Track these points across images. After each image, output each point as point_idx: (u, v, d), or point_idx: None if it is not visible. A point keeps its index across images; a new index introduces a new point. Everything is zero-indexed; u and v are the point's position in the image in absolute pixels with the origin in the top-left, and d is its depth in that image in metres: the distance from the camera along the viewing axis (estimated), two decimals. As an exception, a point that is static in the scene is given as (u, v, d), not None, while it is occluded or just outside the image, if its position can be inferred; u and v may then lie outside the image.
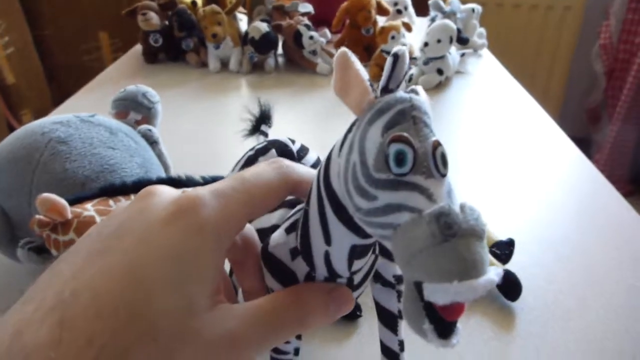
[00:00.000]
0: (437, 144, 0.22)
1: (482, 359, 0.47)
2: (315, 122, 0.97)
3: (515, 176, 0.77)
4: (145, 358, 0.19)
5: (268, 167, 0.27)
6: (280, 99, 1.07)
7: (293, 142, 0.40)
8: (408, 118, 0.22)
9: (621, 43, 2.25)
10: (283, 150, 0.39)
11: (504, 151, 0.85)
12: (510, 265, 0.55)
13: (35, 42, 2.21)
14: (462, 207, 0.20)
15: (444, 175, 0.22)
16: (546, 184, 0.75)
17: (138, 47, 1.34)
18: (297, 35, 1.18)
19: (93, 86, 1.14)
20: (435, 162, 0.22)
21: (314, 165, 0.39)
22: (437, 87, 1.13)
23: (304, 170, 0.29)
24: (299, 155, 0.39)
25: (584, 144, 0.83)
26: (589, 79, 2.44)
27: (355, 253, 0.26)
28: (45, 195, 0.41)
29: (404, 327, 0.38)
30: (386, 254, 0.33)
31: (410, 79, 1.13)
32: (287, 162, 0.28)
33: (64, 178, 0.49)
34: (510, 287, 0.53)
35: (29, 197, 0.49)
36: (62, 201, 0.42)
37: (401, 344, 0.38)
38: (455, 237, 0.19)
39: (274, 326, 0.24)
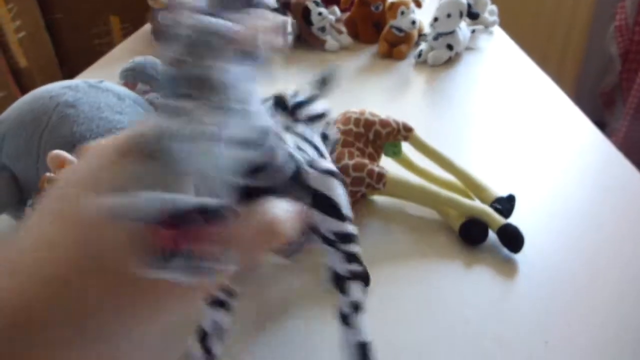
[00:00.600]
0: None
1: (483, 307, 0.47)
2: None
3: (529, 152, 0.76)
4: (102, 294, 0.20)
5: None
6: (289, 76, 1.07)
7: (297, 93, 0.41)
8: None
9: (637, 25, 2.21)
10: (278, 101, 0.39)
11: (517, 127, 0.84)
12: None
13: (46, 26, 2.22)
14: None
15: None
16: (560, 158, 0.75)
17: (148, 27, 1.35)
18: (306, 12, 1.17)
19: (102, 64, 1.15)
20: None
21: (315, 116, 0.40)
22: (447, 63, 1.12)
23: None
24: (298, 106, 0.40)
25: (598, 127, 0.82)
26: (603, 61, 2.40)
27: None
28: (56, 151, 0.42)
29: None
30: (321, 207, 0.33)
31: (419, 55, 1.12)
32: None
33: (71, 141, 0.50)
34: (511, 238, 0.53)
35: (37, 160, 0.49)
36: (73, 158, 0.42)
37: (354, 305, 0.37)
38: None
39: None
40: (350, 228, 0.35)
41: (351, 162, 0.57)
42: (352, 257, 0.35)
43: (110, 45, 2.37)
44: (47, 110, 0.50)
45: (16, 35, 2.02)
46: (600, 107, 2.47)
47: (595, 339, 0.45)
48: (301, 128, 0.38)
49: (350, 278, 0.36)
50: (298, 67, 1.12)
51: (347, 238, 0.35)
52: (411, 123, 0.63)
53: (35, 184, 0.45)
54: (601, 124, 2.31)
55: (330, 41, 1.20)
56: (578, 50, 2.49)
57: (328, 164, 0.34)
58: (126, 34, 2.39)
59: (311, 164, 0.32)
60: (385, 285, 0.50)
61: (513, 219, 0.55)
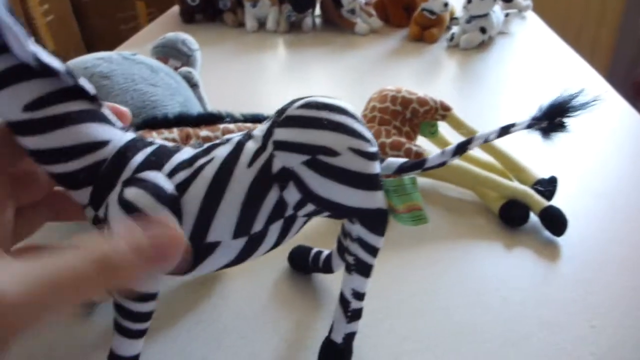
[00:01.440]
0: None
1: (525, 289, 0.45)
2: (353, 82, 0.95)
3: (566, 135, 0.74)
4: None
5: None
6: (318, 59, 1.06)
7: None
8: None
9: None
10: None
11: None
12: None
13: (74, 10, 2.24)
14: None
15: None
16: (599, 141, 0.72)
17: (175, 9, 1.34)
18: (336, -6, 1.15)
19: (131, 43, 1.14)
20: None
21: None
22: (480, 47, 1.10)
23: None
24: None
25: None
26: (636, 50, 2.34)
27: None
28: (110, 103, 0.41)
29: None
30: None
31: (451, 38, 1.10)
32: None
33: (106, 112, 0.49)
34: (555, 221, 0.51)
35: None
36: (125, 109, 0.41)
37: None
38: None
39: (50, 289, 0.20)
40: None
41: (388, 140, 0.55)
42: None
43: (136, 31, 2.39)
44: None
45: (45, 18, 2.04)
46: (632, 97, 2.40)
47: (645, 325, 0.43)
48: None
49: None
50: (327, 49, 1.11)
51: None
52: (455, 112, 0.61)
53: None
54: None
55: (360, 24, 1.18)
56: (610, 39, 2.43)
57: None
58: (152, 19, 2.40)
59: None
60: (423, 267, 0.49)
61: (554, 202, 0.53)
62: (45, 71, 0.26)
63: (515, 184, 0.55)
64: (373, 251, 0.34)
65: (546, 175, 0.56)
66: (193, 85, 0.61)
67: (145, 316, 0.32)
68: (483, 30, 1.08)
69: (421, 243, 0.52)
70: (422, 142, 0.60)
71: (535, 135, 0.33)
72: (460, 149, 0.33)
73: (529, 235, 0.53)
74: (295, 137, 0.30)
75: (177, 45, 0.69)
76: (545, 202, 0.52)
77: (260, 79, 0.96)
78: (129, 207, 0.27)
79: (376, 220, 0.33)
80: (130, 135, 0.30)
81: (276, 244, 0.32)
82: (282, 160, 0.29)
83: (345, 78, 0.97)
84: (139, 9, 2.41)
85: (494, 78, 0.96)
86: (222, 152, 0.31)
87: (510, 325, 0.43)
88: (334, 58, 1.06)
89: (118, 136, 0.29)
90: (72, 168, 0.27)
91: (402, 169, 0.34)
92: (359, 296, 0.36)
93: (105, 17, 2.33)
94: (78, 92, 0.28)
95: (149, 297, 0.32)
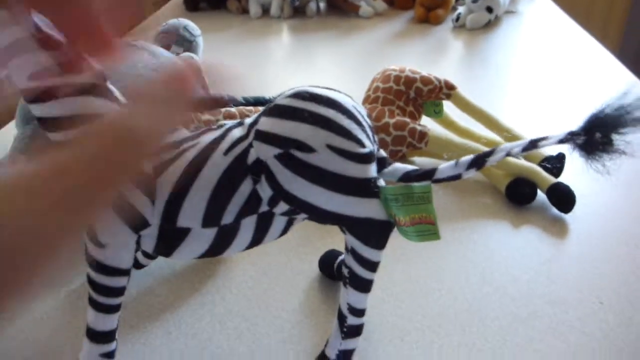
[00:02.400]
0: None
1: (533, 267, 0.45)
2: (358, 66, 0.94)
3: (576, 113, 0.73)
4: None
5: None
6: (323, 43, 1.05)
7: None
8: None
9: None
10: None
11: (562, 89, 0.81)
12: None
13: (79, 2, 2.24)
14: None
15: None
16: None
17: (178, -2, 1.34)
18: (339, -23, 1.14)
19: (136, 32, 1.14)
20: None
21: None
22: (486, 27, 1.08)
23: None
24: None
25: None
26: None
27: None
28: None
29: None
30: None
31: (457, 19, 1.08)
32: None
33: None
34: (562, 198, 0.51)
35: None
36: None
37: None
38: None
39: None
40: None
41: (392, 121, 0.55)
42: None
43: (143, 20, 2.38)
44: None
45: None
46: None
47: (656, 300, 0.42)
48: None
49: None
50: (331, 33, 1.10)
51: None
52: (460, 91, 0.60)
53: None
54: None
55: (365, 7, 1.17)
56: (621, 15, 2.38)
57: None
58: (158, 8, 2.40)
59: None
60: (430, 247, 0.48)
61: (562, 179, 0.53)
62: (48, 44, 0.26)
63: (522, 161, 0.54)
64: (368, 265, 0.31)
65: (554, 152, 0.56)
66: (195, 70, 0.61)
67: (118, 291, 0.32)
68: (489, 9, 1.06)
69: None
70: (428, 124, 0.60)
71: (578, 157, 0.28)
72: (478, 163, 0.28)
73: (536, 213, 0.52)
74: (273, 127, 0.28)
75: (179, 31, 0.69)
76: (552, 179, 0.52)
77: (266, 64, 0.95)
78: None
79: (369, 232, 0.30)
80: None
81: (255, 242, 0.31)
82: (258, 151, 0.28)
83: (350, 62, 0.96)
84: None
85: (501, 58, 0.95)
86: (208, 137, 0.30)
87: (518, 303, 0.42)
88: (338, 42, 1.05)
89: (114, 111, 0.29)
90: (68, 137, 0.28)
91: (407, 177, 0.30)
92: (356, 312, 0.34)
93: (111, 8, 2.33)
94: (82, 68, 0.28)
95: (121, 272, 0.31)
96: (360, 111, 0.30)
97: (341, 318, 0.34)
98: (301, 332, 0.40)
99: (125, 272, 0.32)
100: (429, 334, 0.39)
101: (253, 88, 0.80)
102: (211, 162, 0.28)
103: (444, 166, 0.29)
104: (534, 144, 0.27)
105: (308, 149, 0.27)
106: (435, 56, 0.98)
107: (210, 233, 0.29)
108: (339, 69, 0.93)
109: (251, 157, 0.28)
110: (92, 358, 0.33)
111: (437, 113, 0.61)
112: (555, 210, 0.52)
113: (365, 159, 0.29)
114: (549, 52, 0.96)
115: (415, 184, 0.29)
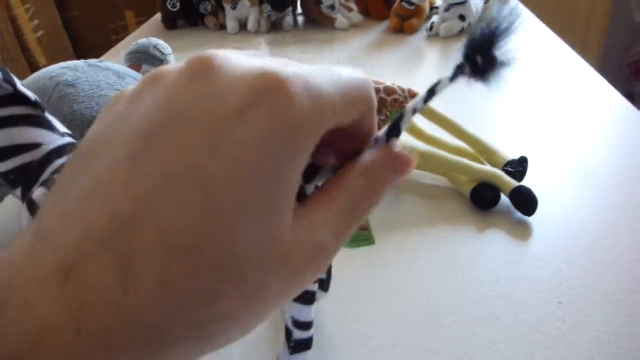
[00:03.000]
0: None
1: (495, 270, 0.46)
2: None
3: (546, 120, 0.74)
4: (234, 302, 0.16)
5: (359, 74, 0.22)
6: (301, 56, 1.06)
7: None
8: None
9: (663, -11, 2.12)
10: None
11: (535, 97, 0.82)
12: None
13: (64, 24, 2.25)
14: None
15: None
16: (579, 122, 0.72)
17: (158, 16, 1.35)
18: (314, -10, 1.15)
19: (114, 52, 1.15)
20: None
21: None
22: (460, 35, 1.09)
23: None
24: None
25: (628, 99, 0.78)
26: (630, 30, 2.32)
27: None
28: None
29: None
30: None
31: (431, 27, 1.10)
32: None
33: (72, 119, 0.50)
34: (524, 201, 0.51)
35: (40, 139, 0.49)
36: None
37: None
38: None
39: (352, 223, 0.20)
40: None
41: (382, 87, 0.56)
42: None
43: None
44: (47, 90, 0.51)
45: (35, 34, 2.05)
46: (628, 78, 2.39)
47: (611, 298, 0.43)
48: None
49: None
50: (309, 46, 1.11)
51: None
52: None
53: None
54: (631, 96, 2.24)
55: (340, 19, 1.19)
56: (603, 20, 2.41)
57: None
58: (142, 28, 2.42)
59: None
60: (396, 253, 0.49)
61: (527, 183, 0.53)
62: None
63: (486, 167, 0.55)
64: None
65: (516, 157, 0.57)
66: (163, 88, 0.61)
67: None
68: (462, 17, 1.08)
69: (394, 230, 0.52)
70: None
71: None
72: (394, 130, 0.27)
73: (500, 217, 0.53)
74: None
75: (149, 50, 0.69)
76: (514, 183, 0.53)
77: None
78: (32, 209, 0.27)
79: None
80: (66, 140, 0.31)
81: None
82: None
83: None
84: (128, 18, 2.42)
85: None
86: None
87: (479, 305, 0.43)
88: (316, 54, 1.07)
89: (52, 140, 0.30)
90: (4, 168, 0.28)
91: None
92: (301, 325, 0.32)
93: (96, 29, 2.35)
94: (20, 98, 0.28)
95: None
96: None
97: (287, 333, 0.34)
98: (256, 346, 0.40)
99: None
100: (390, 340, 0.40)
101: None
102: None
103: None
104: (432, 92, 0.26)
105: None
106: (411, 65, 0.99)
107: None
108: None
109: None
110: None
111: (403, 122, 0.61)
112: (519, 214, 0.52)
113: None
114: (523, 60, 0.97)
115: None
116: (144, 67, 0.69)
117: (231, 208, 0.15)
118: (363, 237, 0.28)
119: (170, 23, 1.27)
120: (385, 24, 1.21)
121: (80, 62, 0.55)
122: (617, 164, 0.61)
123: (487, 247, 0.49)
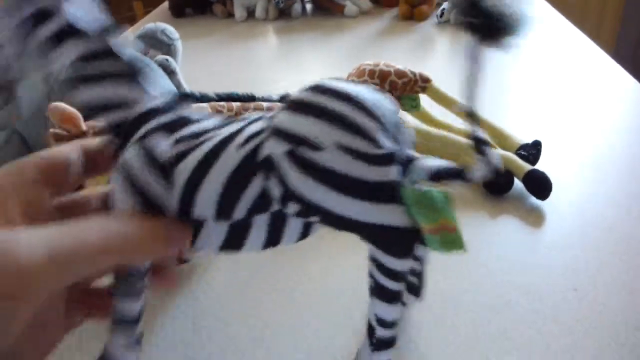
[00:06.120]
0: None
1: (509, 257, 0.44)
2: (344, 65, 0.94)
3: (561, 105, 0.72)
4: None
5: None
6: (309, 43, 1.05)
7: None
8: None
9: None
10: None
11: (549, 84, 0.80)
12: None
13: (73, 14, 2.25)
14: None
15: None
16: (594, 107, 0.70)
17: (165, 4, 1.34)
18: (323, -23, 1.14)
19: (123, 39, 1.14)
20: None
21: None
22: (472, 21, 1.08)
23: None
24: None
25: None
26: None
27: None
28: (56, 103, 0.41)
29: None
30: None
31: (441, 14, 1.08)
32: None
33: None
34: (538, 184, 0.50)
35: (45, 123, 0.49)
36: (74, 110, 0.41)
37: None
38: None
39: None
40: None
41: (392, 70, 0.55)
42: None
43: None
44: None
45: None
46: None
47: (626, 285, 0.41)
48: None
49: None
50: (317, 34, 1.10)
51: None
52: (436, 84, 0.60)
53: (44, 146, 0.44)
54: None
55: (350, 6, 1.17)
56: (617, 9, 2.37)
57: None
58: (150, 17, 2.41)
59: None
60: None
61: (539, 166, 0.52)
62: (84, 33, 0.27)
63: (498, 150, 0.54)
64: (391, 275, 0.28)
65: (530, 140, 0.55)
66: (170, 72, 0.61)
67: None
68: (474, 4, 1.05)
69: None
70: (406, 118, 0.60)
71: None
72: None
73: (513, 203, 0.52)
74: (285, 122, 0.26)
75: (157, 35, 0.69)
76: (528, 166, 0.51)
77: (253, 67, 0.95)
78: (124, 167, 0.27)
79: (389, 240, 0.27)
80: (160, 102, 0.29)
81: (270, 242, 0.29)
82: (270, 147, 0.26)
83: (337, 61, 0.96)
84: (136, 10, 2.42)
85: (487, 52, 0.94)
86: (228, 130, 0.28)
87: (492, 293, 0.42)
88: (324, 42, 1.05)
89: (147, 100, 0.29)
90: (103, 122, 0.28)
91: (438, 176, 0.27)
92: (385, 324, 0.31)
93: (104, 19, 2.35)
94: (115, 56, 0.28)
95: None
96: (383, 109, 0.27)
97: (370, 330, 0.32)
98: (276, 333, 0.40)
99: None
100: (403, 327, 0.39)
101: (241, 89, 0.80)
102: (226, 154, 0.27)
103: (477, 166, 0.26)
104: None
105: (315, 146, 0.25)
106: (422, 52, 0.98)
107: (223, 228, 0.28)
108: (326, 68, 0.93)
109: (262, 153, 0.26)
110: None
111: (414, 107, 0.60)
112: (532, 199, 0.51)
113: (382, 160, 0.26)
114: (537, 48, 0.95)
115: (433, 187, 0.26)
116: (152, 51, 0.68)
117: None
118: (452, 240, 0.26)
119: (178, 11, 1.26)
120: (394, 11, 1.19)
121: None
122: (632, 150, 0.59)
123: (499, 233, 0.48)
